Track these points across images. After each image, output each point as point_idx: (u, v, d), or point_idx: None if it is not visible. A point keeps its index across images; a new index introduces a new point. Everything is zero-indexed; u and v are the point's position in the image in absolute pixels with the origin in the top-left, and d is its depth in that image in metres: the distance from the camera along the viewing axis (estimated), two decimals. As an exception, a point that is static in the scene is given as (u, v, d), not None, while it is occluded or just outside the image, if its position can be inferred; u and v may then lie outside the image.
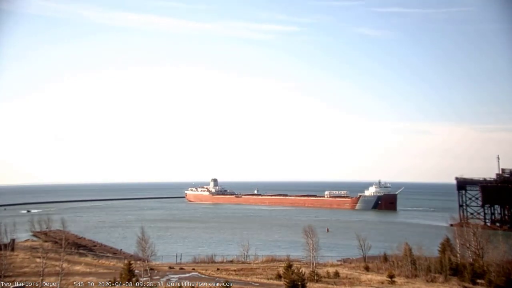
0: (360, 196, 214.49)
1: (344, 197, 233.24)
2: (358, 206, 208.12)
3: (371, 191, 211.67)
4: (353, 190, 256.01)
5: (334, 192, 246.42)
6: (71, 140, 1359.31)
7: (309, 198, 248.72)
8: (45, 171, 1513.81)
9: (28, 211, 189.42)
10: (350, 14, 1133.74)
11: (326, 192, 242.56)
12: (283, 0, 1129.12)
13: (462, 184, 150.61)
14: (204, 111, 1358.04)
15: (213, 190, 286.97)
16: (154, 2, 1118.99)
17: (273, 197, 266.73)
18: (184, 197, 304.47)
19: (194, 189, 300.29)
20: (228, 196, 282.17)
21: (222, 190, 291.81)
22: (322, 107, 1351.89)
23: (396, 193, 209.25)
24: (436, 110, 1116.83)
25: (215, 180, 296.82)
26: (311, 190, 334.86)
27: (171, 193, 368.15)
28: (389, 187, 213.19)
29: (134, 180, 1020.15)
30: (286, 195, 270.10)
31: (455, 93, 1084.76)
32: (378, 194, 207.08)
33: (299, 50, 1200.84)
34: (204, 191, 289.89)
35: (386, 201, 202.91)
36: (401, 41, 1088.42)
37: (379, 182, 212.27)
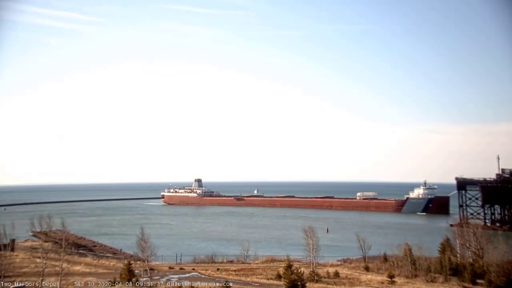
0: (407, 198, 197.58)
1: (378, 199, 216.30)
2: (404, 209, 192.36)
3: (418, 193, 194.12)
4: (355, 190, 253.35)
5: (367, 193, 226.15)
6: (72, 139, 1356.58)
7: (335, 199, 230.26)
8: (41, 171, 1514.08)
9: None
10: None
11: (358, 194, 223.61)
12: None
13: (462, 184, 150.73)
14: (191, 111, 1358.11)
15: (199, 192, 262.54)
16: (151, 6, 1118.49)
17: (285, 198, 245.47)
18: (160, 198, 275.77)
19: (172, 190, 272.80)
20: (222, 198, 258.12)
21: (209, 192, 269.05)
22: (323, 107, 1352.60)
23: (449, 195, 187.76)
24: (436, 111, 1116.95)
25: (199, 181, 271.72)
26: (310, 191, 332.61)
27: (143, 195, 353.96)
28: (435, 188, 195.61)
29: (118, 181, 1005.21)
30: (293, 197, 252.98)
31: (456, 93, 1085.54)
32: (429, 197, 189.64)
33: (298, 47, 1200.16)
34: (189, 192, 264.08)
35: (438, 204, 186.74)
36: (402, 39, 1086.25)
37: (425, 183, 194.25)
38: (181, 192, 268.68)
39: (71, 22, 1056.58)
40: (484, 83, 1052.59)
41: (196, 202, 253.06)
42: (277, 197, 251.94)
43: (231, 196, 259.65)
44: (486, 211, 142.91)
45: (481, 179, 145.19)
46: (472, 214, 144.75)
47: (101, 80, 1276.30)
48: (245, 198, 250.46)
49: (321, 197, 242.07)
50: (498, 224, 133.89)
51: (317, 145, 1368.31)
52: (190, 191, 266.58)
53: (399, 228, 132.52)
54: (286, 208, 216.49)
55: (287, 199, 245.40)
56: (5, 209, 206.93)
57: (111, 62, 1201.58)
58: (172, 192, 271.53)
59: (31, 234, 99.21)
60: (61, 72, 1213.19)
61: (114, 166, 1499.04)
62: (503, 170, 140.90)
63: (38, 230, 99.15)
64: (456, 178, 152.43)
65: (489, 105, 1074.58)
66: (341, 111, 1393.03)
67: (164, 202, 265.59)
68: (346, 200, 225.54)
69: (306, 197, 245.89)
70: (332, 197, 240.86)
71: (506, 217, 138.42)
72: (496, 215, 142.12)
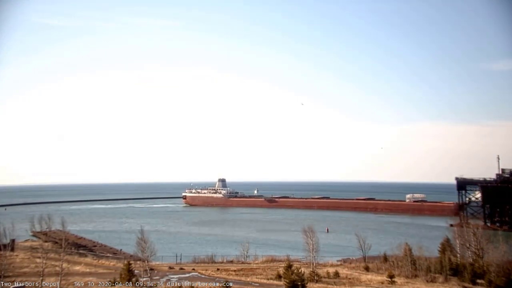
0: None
1: (429, 201, 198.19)
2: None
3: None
4: (357, 190, 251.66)
5: (416, 195, 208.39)
6: (72, 139, 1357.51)
7: (380, 201, 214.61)
8: (41, 171, 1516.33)
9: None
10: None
11: (408, 196, 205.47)
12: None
13: (462, 184, 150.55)
14: (202, 112, 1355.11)
15: (224, 192, 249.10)
16: (154, 7, 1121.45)
17: (322, 200, 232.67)
18: (182, 198, 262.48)
19: (194, 190, 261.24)
20: (251, 199, 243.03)
21: (234, 192, 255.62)
22: (316, 108, 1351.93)
23: None
24: (435, 110, 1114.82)
25: (223, 181, 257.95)
26: (309, 191, 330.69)
27: (162, 195, 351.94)
28: None
29: (124, 181, 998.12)
30: (329, 198, 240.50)
31: (454, 93, 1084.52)
32: None
33: (304, 51, 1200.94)
34: (214, 192, 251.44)
35: None
36: (399, 41, 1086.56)
37: None
38: (205, 193, 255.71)
39: (72, 23, 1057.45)
40: (479, 83, 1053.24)
41: (222, 203, 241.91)
42: (312, 198, 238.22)
43: (260, 197, 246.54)
44: (486, 211, 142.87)
45: (481, 179, 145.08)
46: (472, 214, 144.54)
47: (106, 81, 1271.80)
48: (277, 200, 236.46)
49: (363, 199, 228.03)
50: (498, 224, 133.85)
51: (311, 145, 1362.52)
52: (214, 191, 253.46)
53: None
54: (325, 211, 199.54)
55: (324, 200, 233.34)
56: (5, 209, 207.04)
57: (121, 62, 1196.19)
58: (195, 193, 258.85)
59: (31, 234, 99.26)
60: (62, 72, 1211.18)
61: (116, 167, 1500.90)
62: (503, 170, 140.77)
63: (38, 230, 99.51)
64: (456, 178, 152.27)
65: (483, 104, 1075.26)
66: (333, 111, 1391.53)
67: (186, 203, 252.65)
68: (393, 202, 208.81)
69: (346, 199, 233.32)
70: (374, 199, 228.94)
71: (506, 217, 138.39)
72: (496, 215, 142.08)
